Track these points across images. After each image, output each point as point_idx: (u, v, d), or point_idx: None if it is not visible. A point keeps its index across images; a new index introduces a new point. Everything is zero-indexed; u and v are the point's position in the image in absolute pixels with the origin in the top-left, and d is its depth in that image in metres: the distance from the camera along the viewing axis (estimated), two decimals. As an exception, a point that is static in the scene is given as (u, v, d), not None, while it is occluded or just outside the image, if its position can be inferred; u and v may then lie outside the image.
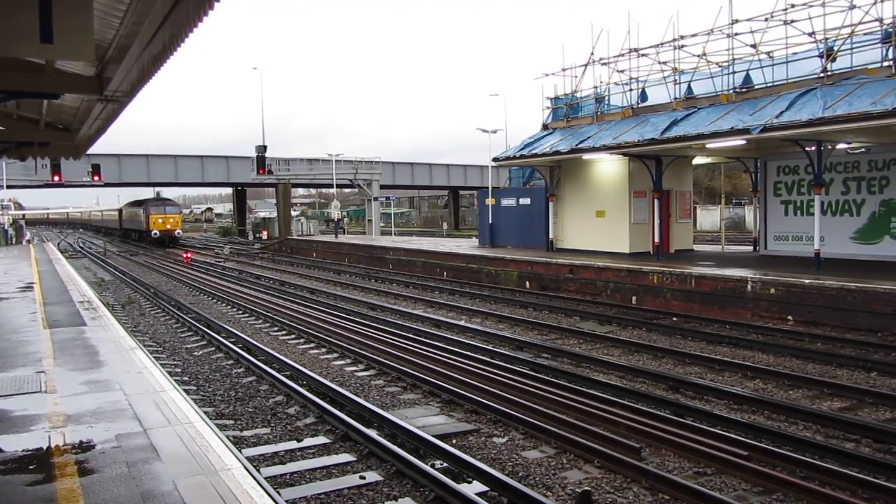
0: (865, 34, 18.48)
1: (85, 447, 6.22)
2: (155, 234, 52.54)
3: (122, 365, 9.46)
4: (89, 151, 23.98)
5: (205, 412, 9.20)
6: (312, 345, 15.07)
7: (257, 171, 43.67)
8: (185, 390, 10.59)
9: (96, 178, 39.16)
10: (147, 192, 73.42)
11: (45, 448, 6.22)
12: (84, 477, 5.52)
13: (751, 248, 27.10)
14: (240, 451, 7.88)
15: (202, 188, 55.58)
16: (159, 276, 31.17)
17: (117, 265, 36.71)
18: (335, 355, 13.97)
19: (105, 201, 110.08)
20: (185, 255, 38.46)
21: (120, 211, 69.99)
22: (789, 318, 16.21)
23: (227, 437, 8.30)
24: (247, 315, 19.52)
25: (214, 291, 24.29)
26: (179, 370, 12.86)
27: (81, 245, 61.49)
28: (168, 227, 53.44)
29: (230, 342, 14.87)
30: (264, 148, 42.92)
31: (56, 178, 32.10)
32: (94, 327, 12.60)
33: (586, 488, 6.96)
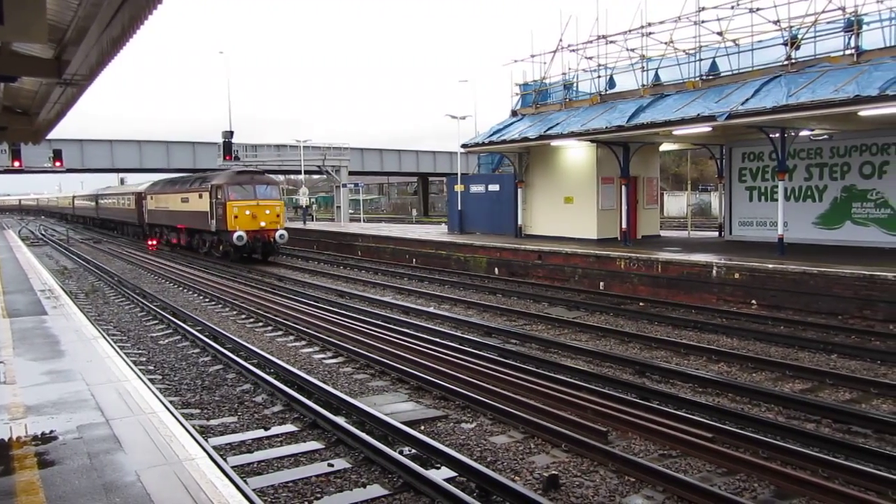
0: (828, 23, 18.76)
1: (45, 439, 6.11)
2: (239, 238, 28.15)
3: (85, 354, 9.30)
4: (50, 136, 23.48)
5: (170, 401, 9.12)
6: (280, 332, 14.96)
7: (224, 157, 43.03)
8: (150, 379, 10.47)
9: (58, 163, 38.43)
10: (112, 179, 71.88)
11: (4, 440, 6.10)
12: (44, 469, 5.43)
13: (716, 233, 27.47)
14: (206, 440, 7.80)
15: (168, 174, 52.94)
16: (124, 264, 30.67)
17: (80, 253, 36.04)
18: (303, 343, 13.88)
19: (67, 188, 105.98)
20: (150, 243, 37.80)
21: (138, 197, 43.66)
22: (753, 302, 16.47)
23: (193, 426, 8.21)
24: (213, 303, 19.29)
25: (180, 279, 23.96)
26: (144, 359, 12.67)
27: (44, 233, 60.15)
28: (264, 224, 29.28)
29: (196, 330, 14.70)
30: (231, 133, 42.30)
31: (16, 164, 31.34)
32: (56, 316, 12.38)
33: (554, 472, 7.03)
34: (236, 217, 28.69)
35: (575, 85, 26.54)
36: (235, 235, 28.16)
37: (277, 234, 29.44)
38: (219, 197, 29.47)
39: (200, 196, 31.71)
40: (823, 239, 21.10)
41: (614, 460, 7.23)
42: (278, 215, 29.96)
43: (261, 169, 42.25)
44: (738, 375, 10.88)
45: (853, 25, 17.87)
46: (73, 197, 76.67)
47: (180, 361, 12.51)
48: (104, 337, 10.88)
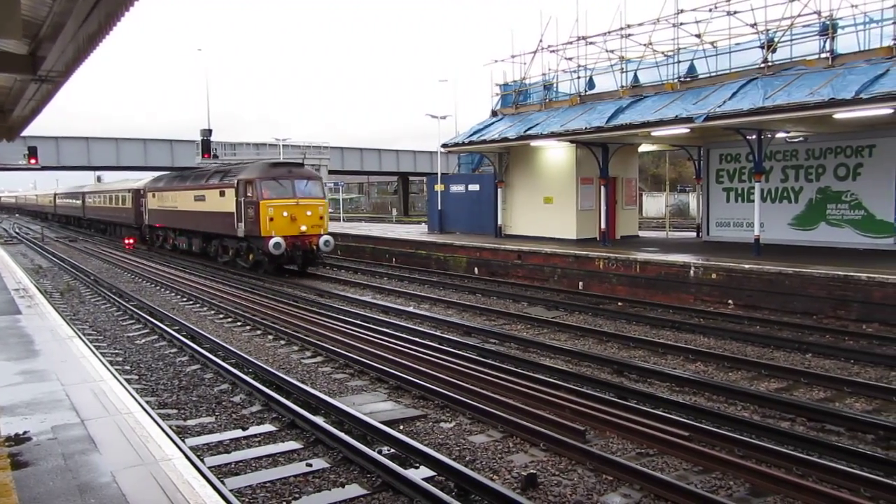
0: (804, 26, 19.02)
1: (19, 439, 6.03)
2: (277, 245, 22.83)
3: (60, 354, 9.19)
4: (25, 133, 23.19)
5: (146, 402, 9.05)
6: (259, 332, 14.88)
7: (202, 156, 42.81)
8: (127, 379, 10.38)
9: (33, 161, 37.88)
10: (88, 177, 70.83)
11: (-25, 441, 6.00)
12: (18, 470, 5.36)
13: (694, 234, 27.71)
14: (183, 440, 7.74)
15: (145, 172, 51.76)
16: (100, 263, 30.33)
17: (55, 251, 35.59)
18: (282, 342, 13.81)
19: (42, 185, 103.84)
20: (126, 241, 37.32)
21: (136, 194, 38.36)
22: (730, 302, 16.64)
23: (170, 426, 8.15)
24: (191, 302, 19.14)
25: (158, 278, 23.74)
26: (120, 359, 12.53)
27: (18, 231, 59.32)
28: (305, 228, 23.91)
29: (174, 330, 14.57)
30: (209, 132, 42.07)
31: (-11, 162, 30.94)
32: (30, 315, 12.22)
33: (532, 471, 7.06)
34: (272, 220, 23.32)
35: (555, 85, 26.65)
36: (272, 242, 22.70)
37: (321, 240, 23.94)
38: (249, 195, 24.03)
39: (222, 193, 26.03)
40: (799, 240, 21.37)
41: (592, 459, 7.27)
42: (321, 217, 24.51)
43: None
44: (714, 374, 10.98)
45: (828, 29, 18.12)
46: (55, 194, 68.09)
47: (157, 361, 12.40)
48: (79, 337, 10.76)
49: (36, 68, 10.60)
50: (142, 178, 40.99)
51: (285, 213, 23.49)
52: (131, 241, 37.28)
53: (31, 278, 19.86)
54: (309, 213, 24.08)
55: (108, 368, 8.73)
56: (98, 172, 67.21)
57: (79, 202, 55.37)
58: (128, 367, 11.89)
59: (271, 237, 22.95)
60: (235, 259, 26.48)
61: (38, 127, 27.49)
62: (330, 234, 24.74)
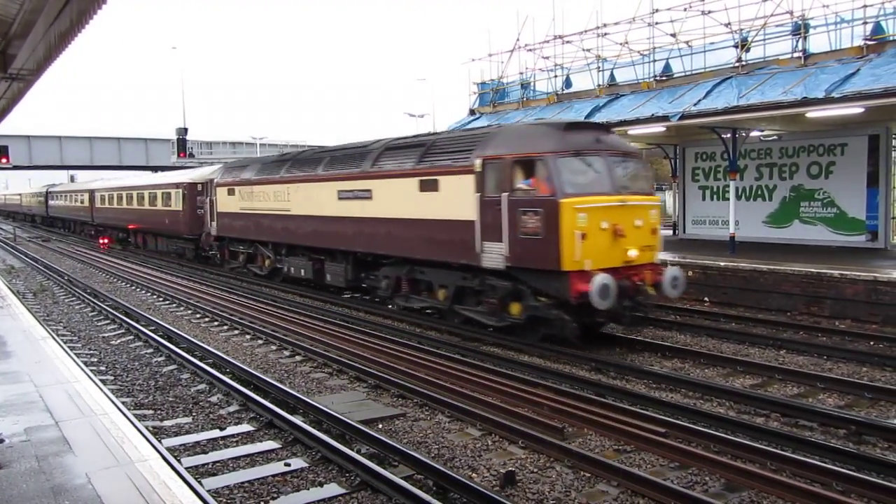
0: (777, 26, 19.27)
1: (-9, 442, 5.95)
2: (603, 290, 10.69)
3: (33, 355, 9.08)
4: (-5, 132, 22.79)
5: (122, 402, 8.95)
6: (237, 332, 14.77)
7: (178, 155, 42.43)
8: (102, 380, 10.27)
9: (4, 160, 37.28)
10: (61, 176, 69.76)
11: (-54, 444, 5.91)
12: (-10, 473, 5.28)
13: (671, 231, 27.92)
14: (159, 441, 7.66)
15: (119, 171, 51.29)
16: (74, 263, 29.92)
17: (28, 251, 35.06)
18: (260, 342, 13.72)
19: (14, 186, 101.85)
20: (101, 241, 36.83)
21: (192, 190, 27.38)
22: (706, 299, 16.81)
23: (146, 427, 8.07)
24: (168, 302, 18.95)
25: (133, 278, 23.48)
26: (95, 360, 12.37)
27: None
28: (634, 253, 11.68)
29: (150, 330, 14.43)
30: (185, 130, 41.73)
31: (-41, 161, 30.43)
32: (2, 316, 12.06)
33: (510, 469, 7.08)
34: (584, 237, 11.23)
35: (532, 84, 26.75)
36: (597, 284, 10.87)
37: (668, 276, 12.23)
38: (521, 188, 11.95)
39: (428, 185, 13.90)
40: (773, 237, 21.63)
41: (570, 456, 7.31)
42: (654, 231, 12.51)
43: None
44: (690, 371, 11.07)
45: (800, 29, 18.37)
46: (47, 192, 54.86)
47: (133, 362, 12.26)
48: (53, 337, 10.64)
49: (6, 66, 10.45)
50: (206, 170, 29.49)
51: (605, 224, 11.58)
52: (106, 240, 36.77)
53: (2, 279, 19.56)
54: (639, 222, 12.11)
55: (82, 369, 8.64)
56: (71, 172, 66.47)
57: (83, 203, 43.41)
58: (103, 368, 11.73)
59: (588, 273, 11.18)
60: (453, 307, 14.18)
61: (9, 125, 27.11)
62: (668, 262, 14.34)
